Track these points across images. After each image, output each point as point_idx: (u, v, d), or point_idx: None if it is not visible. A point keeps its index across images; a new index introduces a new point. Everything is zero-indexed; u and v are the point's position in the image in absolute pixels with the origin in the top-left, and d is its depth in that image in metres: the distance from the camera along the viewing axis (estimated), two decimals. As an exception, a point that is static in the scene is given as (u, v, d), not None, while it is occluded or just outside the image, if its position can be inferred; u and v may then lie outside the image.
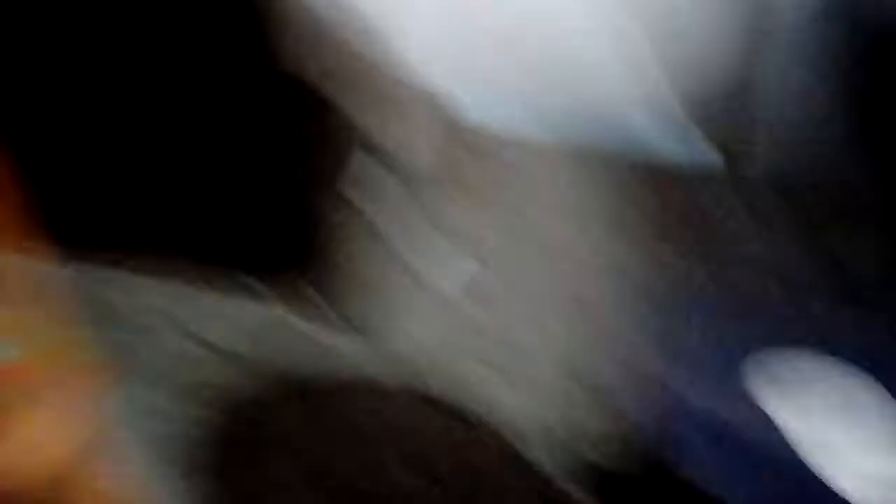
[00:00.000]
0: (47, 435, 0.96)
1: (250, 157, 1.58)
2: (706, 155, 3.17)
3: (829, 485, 0.81)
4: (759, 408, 0.92)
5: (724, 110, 3.10)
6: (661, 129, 3.20)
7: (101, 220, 1.71)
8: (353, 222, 1.82)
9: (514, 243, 2.37)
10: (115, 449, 1.06)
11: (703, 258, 2.43)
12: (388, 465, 1.45)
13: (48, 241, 1.73)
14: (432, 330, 1.85)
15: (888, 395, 1.04)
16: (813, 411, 0.96)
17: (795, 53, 2.68)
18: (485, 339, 1.85)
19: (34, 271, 0.94)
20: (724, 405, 0.91)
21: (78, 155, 1.63)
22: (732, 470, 0.80)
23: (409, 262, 2.05)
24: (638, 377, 1.81)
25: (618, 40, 3.07)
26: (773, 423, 0.88)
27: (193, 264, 1.78)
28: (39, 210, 1.56)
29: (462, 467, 1.47)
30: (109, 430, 1.06)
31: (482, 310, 1.96)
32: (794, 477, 0.81)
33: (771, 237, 2.61)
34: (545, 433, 1.59)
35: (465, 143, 2.75)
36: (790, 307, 2.18)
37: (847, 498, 0.81)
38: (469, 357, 1.79)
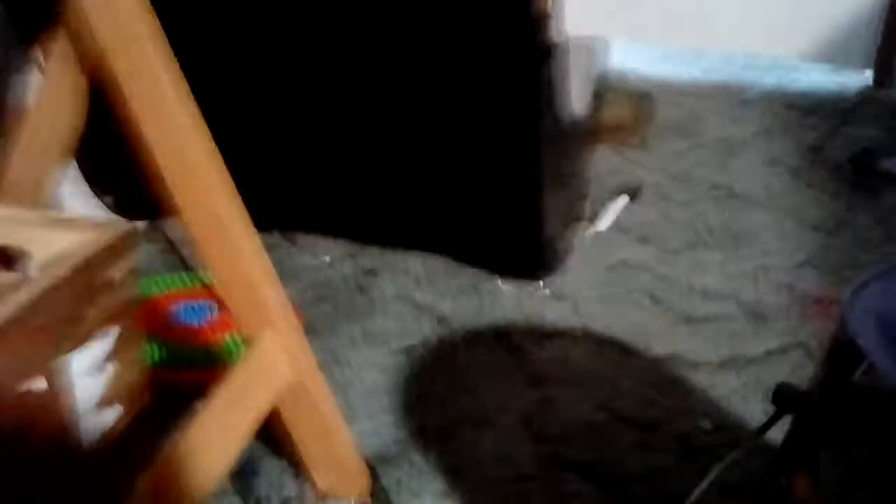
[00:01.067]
0: (271, 365, 1.09)
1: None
2: (859, 78, 3.13)
3: None
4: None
5: (880, 36, 3.05)
6: (814, 60, 3.17)
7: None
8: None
9: (674, 181, 2.41)
10: (325, 386, 1.19)
11: (861, 181, 2.43)
12: (574, 402, 1.53)
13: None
14: (606, 272, 1.93)
15: None
16: None
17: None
18: (655, 278, 1.91)
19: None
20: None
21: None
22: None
23: (586, 212, 2.13)
24: (801, 300, 1.85)
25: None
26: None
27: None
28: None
29: (640, 401, 1.54)
30: (319, 371, 1.19)
31: (652, 251, 2.02)
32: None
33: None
34: (718, 364, 1.65)
35: (622, 92, 2.79)
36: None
37: None
38: (635, 293, 1.87)
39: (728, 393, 1.56)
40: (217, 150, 1.03)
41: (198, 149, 1.01)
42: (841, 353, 0.90)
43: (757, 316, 1.79)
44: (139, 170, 1.01)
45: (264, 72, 1.66)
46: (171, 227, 1.87)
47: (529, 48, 1.50)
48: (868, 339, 0.86)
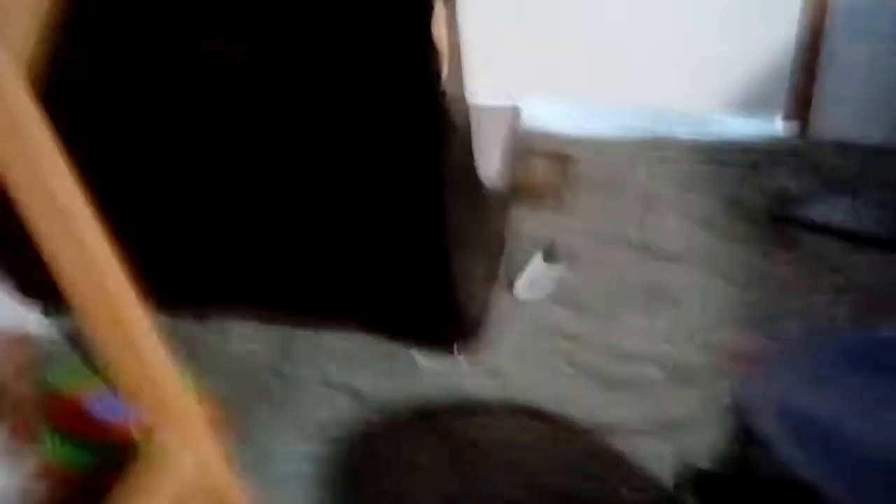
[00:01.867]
0: (174, 460, 1.06)
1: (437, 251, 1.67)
2: (774, 127, 3.18)
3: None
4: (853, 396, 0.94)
5: (792, 83, 3.11)
6: (729, 111, 3.22)
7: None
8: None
9: (594, 240, 2.43)
10: (232, 478, 1.16)
11: (780, 230, 2.46)
12: (497, 478, 1.52)
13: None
14: (526, 338, 1.92)
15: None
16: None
17: (861, 26, 2.68)
18: (575, 342, 1.92)
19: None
20: (813, 394, 0.94)
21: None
22: (824, 460, 0.83)
23: (503, 276, 2.13)
24: (728, 361, 1.86)
25: (682, 38, 3.09)
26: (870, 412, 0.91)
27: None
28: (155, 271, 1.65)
29: (562, 472, 1.54)
30: (239, 471, 1.16)
31: (572, 313, 2.02)
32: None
33: (838, 197, 2.62)
34: (641, 429, 1.65)
35: (539, 151, 2.81)
36: (874, 271, 2.20)
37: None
38: (555, 360, 1.87)
39: (650, 457, 1.56)
40: (112, 241, 1.01)
41: (89, 240, 0.99)
42: (739, 438, 0.90)
43: (677, 377, 1.80)
44: (38, 253, 0.99)
45: (166, 154, 1.64)
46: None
47: (428, 119, 1.51)
48: (764, 424, 0.86)
